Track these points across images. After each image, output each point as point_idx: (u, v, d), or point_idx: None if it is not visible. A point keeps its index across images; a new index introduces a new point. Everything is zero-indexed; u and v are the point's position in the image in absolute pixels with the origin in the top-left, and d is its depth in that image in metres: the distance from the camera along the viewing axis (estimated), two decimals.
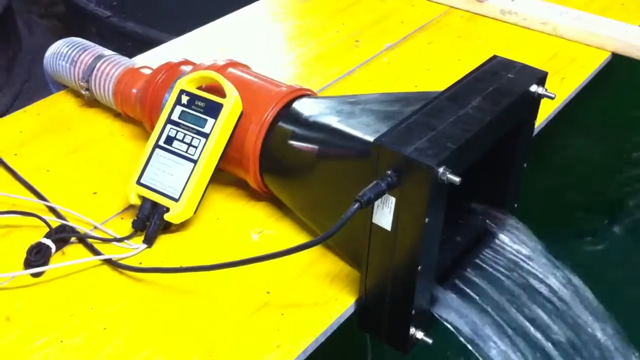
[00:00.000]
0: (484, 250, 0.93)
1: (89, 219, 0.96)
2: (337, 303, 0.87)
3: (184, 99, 0.96)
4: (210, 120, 0.94)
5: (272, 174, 0.96)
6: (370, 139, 0.79)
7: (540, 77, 0.90)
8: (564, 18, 1.42)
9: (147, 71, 1.09)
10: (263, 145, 0.95)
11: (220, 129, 0.93)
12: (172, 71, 1.04)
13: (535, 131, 0.99)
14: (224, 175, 1.01)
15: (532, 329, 0.87)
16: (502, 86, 0.88)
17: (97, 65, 1.12)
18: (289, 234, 0.96)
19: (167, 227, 0.95)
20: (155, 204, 0.94)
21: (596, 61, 1.35)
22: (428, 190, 0.74)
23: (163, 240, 0.94)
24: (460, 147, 0.77)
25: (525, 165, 0.96)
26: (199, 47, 1.37)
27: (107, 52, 1.16)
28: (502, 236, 0.94)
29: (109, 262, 0.90)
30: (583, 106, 1.37)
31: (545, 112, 1.17)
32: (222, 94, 0.95)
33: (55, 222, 0.94)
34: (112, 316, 0.84)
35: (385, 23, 1.46)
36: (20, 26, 2.48)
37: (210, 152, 0.93)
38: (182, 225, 0.96)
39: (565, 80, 1.28)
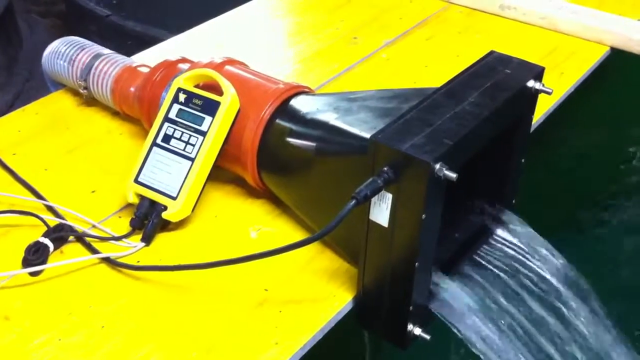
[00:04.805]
0: (483, 246, 0.93)
1: (87, 217, 0.96)
2: (336, 300, 0.87)
3: (182, 97, 0.96)
4: (208, 118, 0.94)
5: (269, 171, 0.96)
6: (367, 135, 0.79)
7: (538, 73, 0.89)
8: (563, 12, 1.41)
9: (144, 69, 1.09)
10: (261, 143, 0.95)
11: (217, 126, 0.93)
12: (169, 69, 1.04)
13: (533, 127, 0.98)
14: (222, 173, 1.01)
15: (529, 324, 0.87)
16: (499, 81, 0.88)
17: (95, 64, 1.12)
18: (287, 231, 0.96)
19: (165, 226, 0.95)
20: (153, 203, 0.94)
21: (595, 56, 1.34)
22: (425, 186, 0.74)
23: (161, 239, 0.94)
24: (457, 143, 0.77)
25: (523, 160, 0.96)
26: (197, 45, 1.36)
27: (105, 50, 1.16)
28: (500, 231, 0.94)
29: (107, 260, 0.91)
30: (581, 101, 1.36)
31: (544, 107, 1.17)
32: (220, 92, 0.95)
33: (53, 221, 0.94)
34: (110, 314, 0.84)
35: (384, 19, 1.46)
36: (20, 25, 2.48)
37: (208, 150, 0.93)
38: (180, 224, 0.96)
39: (563, 75, 1.28)
